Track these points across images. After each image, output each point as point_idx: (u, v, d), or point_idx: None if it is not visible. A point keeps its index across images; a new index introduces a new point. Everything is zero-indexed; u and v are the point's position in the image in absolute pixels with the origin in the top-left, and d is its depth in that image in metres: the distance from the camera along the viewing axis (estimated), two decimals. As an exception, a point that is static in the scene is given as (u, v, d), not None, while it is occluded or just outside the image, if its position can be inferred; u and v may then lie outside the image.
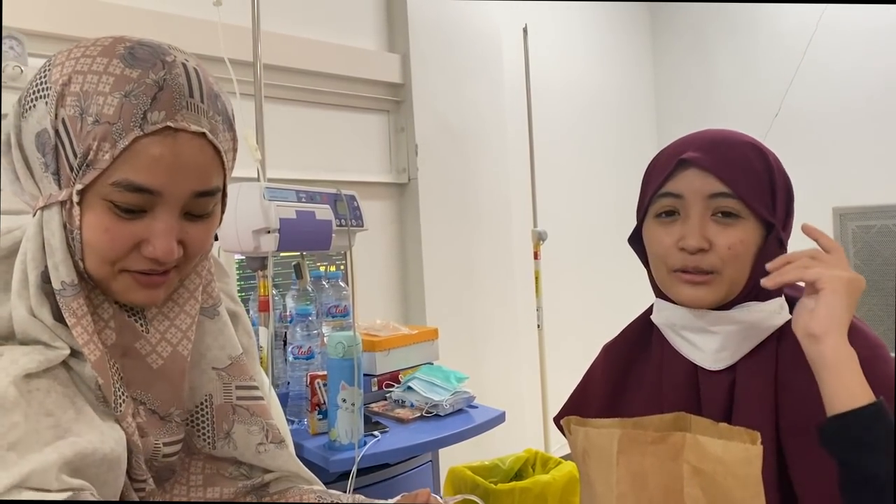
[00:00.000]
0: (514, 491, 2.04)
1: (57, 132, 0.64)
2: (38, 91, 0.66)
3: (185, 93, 0.65)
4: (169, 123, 0.64)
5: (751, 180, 0.85)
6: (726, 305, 0.87)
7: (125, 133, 0.62)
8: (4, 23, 1.79)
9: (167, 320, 0.74)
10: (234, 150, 0.73)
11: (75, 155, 0.64)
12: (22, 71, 1.52)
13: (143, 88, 0.63)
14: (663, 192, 0.89)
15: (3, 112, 1.40)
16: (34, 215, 0.67)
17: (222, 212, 0.75)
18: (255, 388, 0.81)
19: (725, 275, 0.85)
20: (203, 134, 0.66)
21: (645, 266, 0.96)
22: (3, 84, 1.51)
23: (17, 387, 0.61)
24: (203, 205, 0.70)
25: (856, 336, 0.78)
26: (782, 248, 0.88)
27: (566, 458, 2.00)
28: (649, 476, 0.66)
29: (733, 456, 0.64)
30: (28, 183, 0.68)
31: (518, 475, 2.27)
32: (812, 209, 3.81)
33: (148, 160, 0.63)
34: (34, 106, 0.65)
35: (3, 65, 1.50)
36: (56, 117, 0.64)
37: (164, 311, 0.75)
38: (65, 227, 0.66)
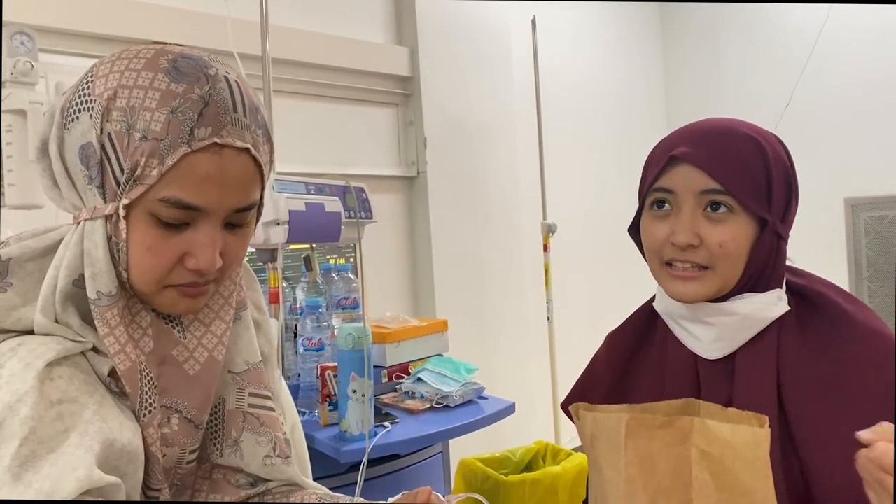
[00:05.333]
0: (525, 482, 2.04)
1: (103, 146, 0.64)
2: (82, 103, 0.65)
3: (229, 108, 0.65)
4: (216, 139, 0.64)
5: (744, 176, 0.84)
6: (722, 298, 0.87)
7: (173, 149, 0.63)
8: (16, 18, 1.80)
9: (203, 326, 0.75)
10: (272, 161, 0.74)
11: (122, 170, 0.64)
12: (33, 66, 1.53)
13: (189, 104, 0.63)
14: (656, 188, 0.89)
15: (13, 109, 1.40)
16: (76, 225, 0.68)
17: (257, 220, 0.75)
18: (269, 398, 0.81)
19: (718, 271, 0.85)
20: (247, 149, 0.67)
21: (643, 255, 0.96)
22: (14, 80, 1.52)
23: (40, 379, 0.61)
24: (242, 217, 0.70)
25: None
26: (780, 240, 0.87)
27: (577, 450, 2.00)
28: (657, 460, 0.66)
29: (741, 439, 0.64)
30: (70, 193, 0.68)
31: (528, 467, 2.27)
32: (824, 200, 3.80)
33: (196, 178, 0.64)
34: (77, 118, 0.65)
35: (14, 61, 1.51)
36: (102, 132, 0.64)
37: (199, 318, 0.75)
38: (109, 239, 0.66)
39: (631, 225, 0.97)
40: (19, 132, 1.49)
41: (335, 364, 1.69)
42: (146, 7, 2.14)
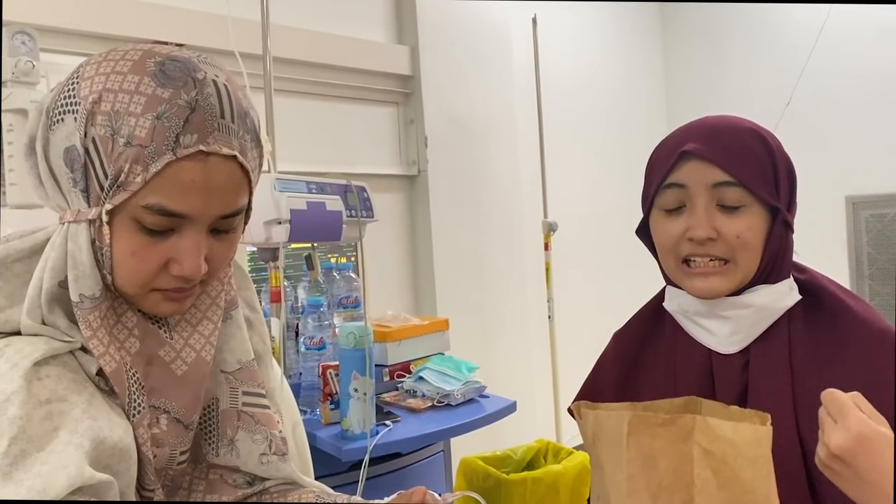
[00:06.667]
0: (527, 481, 2.04)
1: (87, 151, 0.63)
2: (67, 105, 0.64)
3: (216, 114, 0.64)
4: (201, 147, 0.63)
5: (753, 167, 0.85)
6: (737, 291, 0.88)
7: (157, 157, 0.62)
8: (17, 18, 1.80)
9: (190, 326, 0.75)
10: (260, 165, 0.73)
11: (106, 175, 0.63)
12: (34, 66, 1.53)
13: (175, 110, 0.62)
14: (668, 183, 0.89)
15: (14, 108, 1.40)
16: (61, 226, 0.67)
17: (245, 223, 0.75)
18: (263, 395, 0.81)
19: (739, 263, 0.86)
20: (234, 156, 0.66)
21: (654, 256, 0.96)
22: (15, 79, 1.52)
23: (27, 379, 0.61)
24: (228, 223, 0.70)
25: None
26: (789, 229, 0.88)
27: (578, 448, 2.00)
28: (659, 458, 0.66)
29: (743, 437, 0.65)
30: (55, 194, 0.68)
31: (530, 465, 2.27)
32: (825, 198, 3.79)
33: (180, 185, 0.63)
34: (62, 120, 0.64)
35: (15, 60, 1.51)
36: (86, 136, 0.63)
37: (186, 318, 0.75)
38: (93, 242, 0.65)
39: (639, 227, 0.97)
40: (21, 132, 1.49)
41: (337, 363, 1.69)
42: (147, 6, 2.14)
